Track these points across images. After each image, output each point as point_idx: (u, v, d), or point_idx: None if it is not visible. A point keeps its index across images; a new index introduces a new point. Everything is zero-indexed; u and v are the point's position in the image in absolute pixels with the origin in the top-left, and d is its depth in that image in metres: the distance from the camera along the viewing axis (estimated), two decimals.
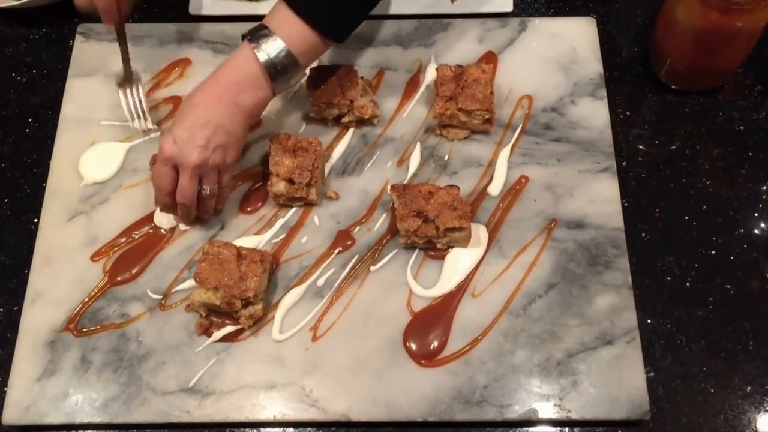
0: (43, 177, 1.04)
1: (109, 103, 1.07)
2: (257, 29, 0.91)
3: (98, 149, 1.05)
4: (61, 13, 1.17)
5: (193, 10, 1.14)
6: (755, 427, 0.89)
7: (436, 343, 0.92)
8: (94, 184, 1.03)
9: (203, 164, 0.91)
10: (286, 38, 0.90)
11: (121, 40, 1.03)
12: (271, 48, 0.90)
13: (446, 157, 1.04)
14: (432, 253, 0.98)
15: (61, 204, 1.02)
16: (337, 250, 0.98)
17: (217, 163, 0.92)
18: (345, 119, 1.05)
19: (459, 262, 0.97)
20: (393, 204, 0.99)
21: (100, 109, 1.07)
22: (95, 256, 0.98)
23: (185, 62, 1.10)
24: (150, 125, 1.05)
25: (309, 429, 0.91)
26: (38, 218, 1.01)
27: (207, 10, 1.14)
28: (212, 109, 0.90)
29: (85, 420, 0.90)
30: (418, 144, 1.05)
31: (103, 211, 1.01)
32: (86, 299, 0.96)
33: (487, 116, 1.02)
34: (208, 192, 0.94)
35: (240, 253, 0.92)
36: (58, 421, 0.90)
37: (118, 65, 1.06)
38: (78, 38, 1.13)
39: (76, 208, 1.01)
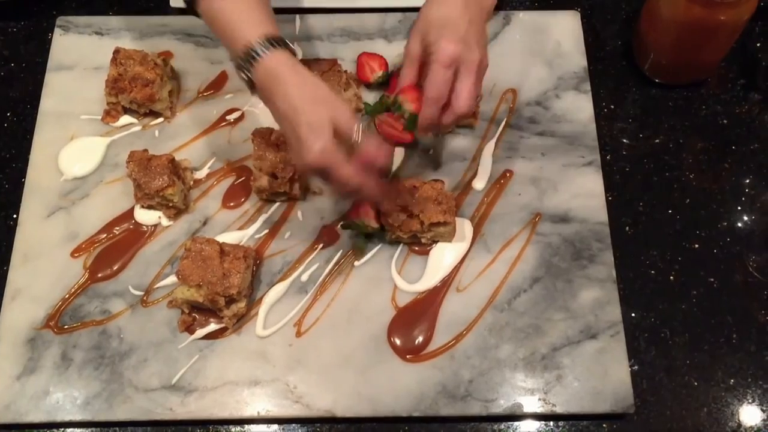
0: (22, 172, 1.02)
1: (88, 97, 1.06)
2: None
3: (78, 144, 1.04)
4: (39, 6, 1.15)
5: (174, 2, 1.13)
6: (738, 419, 0.90)
7: (420, 338, 0.92)
8: (74, 179, 1.01)
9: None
10: None
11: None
12: None
13: (431, 152, 1.03)
14: (416, 248, 0.97)
15: (41, 200, 1.00)
16: (321, 246, 0.98)
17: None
18: None
19: (443, 256, 0.96)
20: None
21: (79, 103, 1.06)
22: (76, 252, 0.97)
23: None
24: None
25: (293, 425, 0.90)
26: (17, 214, 1.00)
27: None
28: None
29: (67, 418, 0.89)
30: None
31: (84, 207, 1.00)
32: (67, 296, 0.95)
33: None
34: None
35: (223, 250, 0.92)
36: (39, 420, 0.89)
37: (97, 59, 1.04)
38: (57, 31, 1.11)
39: (56, 203, 1.00)
